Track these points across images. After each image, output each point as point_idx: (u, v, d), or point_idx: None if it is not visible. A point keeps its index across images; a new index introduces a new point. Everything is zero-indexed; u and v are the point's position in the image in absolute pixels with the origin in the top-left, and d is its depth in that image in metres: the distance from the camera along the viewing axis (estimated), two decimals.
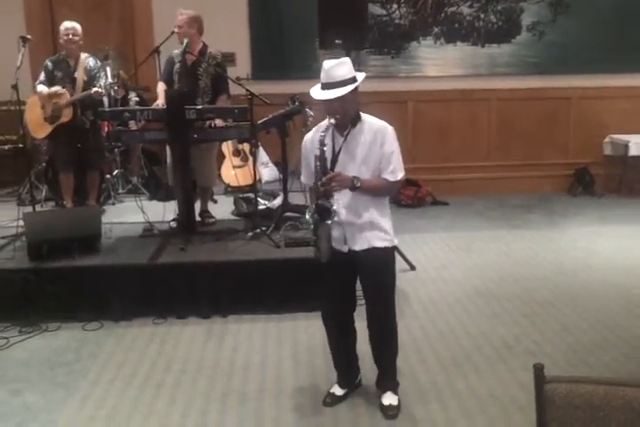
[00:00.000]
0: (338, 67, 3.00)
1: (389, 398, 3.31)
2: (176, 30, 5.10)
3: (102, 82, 5.45)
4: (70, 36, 5.45)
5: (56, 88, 5.43)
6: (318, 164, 3.02)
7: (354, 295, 3.30)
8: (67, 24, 5.48)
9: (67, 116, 5.47)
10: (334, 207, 2.99)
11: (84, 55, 5.58)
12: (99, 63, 5.63)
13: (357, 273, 3.21)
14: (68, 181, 5.78)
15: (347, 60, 3.06)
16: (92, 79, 5.55)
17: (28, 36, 5.28)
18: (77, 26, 5.49)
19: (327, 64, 3.01)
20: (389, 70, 7.51)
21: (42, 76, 5.51)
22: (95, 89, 5.37)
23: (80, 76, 5.53)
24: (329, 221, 2.99)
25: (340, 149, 3.09)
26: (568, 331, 4.16)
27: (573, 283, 4.97)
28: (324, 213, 3.00)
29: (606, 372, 3.58)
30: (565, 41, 7.49)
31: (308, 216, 3.05)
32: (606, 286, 4.88)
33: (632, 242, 5.89)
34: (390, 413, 3.26)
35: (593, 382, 1.88)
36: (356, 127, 3.09)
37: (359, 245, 3.14)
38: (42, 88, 5.47)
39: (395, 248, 3.32)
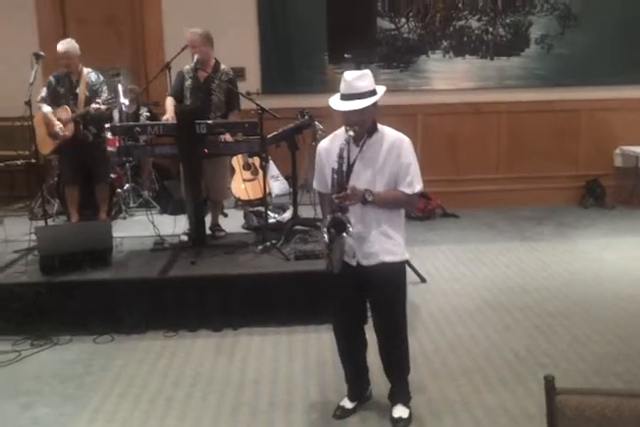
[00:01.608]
0: (359, 78, 3.00)
1: (400, 411, 3.29)
2: (191, 50, 5.14)
3: (103, 97, 5.53)
4: (63, 61, 5.51)
5: (57, 118, 5.51)
6: (335, 176, 3.00)
7: (364, 309, 3.28)
8: (59, 48, 5.46)
9: (69, 132, 5.54)
10: (350, 222, 2.97)
11: (86, 70, 5.64)
12: (100, 78, 5.70)
13: (367, 287, 3.18)
14: (72, 195, 5.84)
15: (368, 72, 3.06)
16: (93, 94, 5.62)
17: (42, 53, 5.36)
18: (69, 48, 5.49)
19: (349, 75, 3.01)
20: (398, 84, 7.53)
21: (44, 93, 5.56)
22: (94, 106, 5.45)
23: (82, 91, 5.60)
24: (344, 234, 2.97)
25: (355, 159, 3.07)
26: (580, 342, 4.13)
27: (585, 294, 4.94)
28: (340, 226, 2.99)
29: (618, 383, 3.56)
30: (574, 53, 7.50)
31: (323, 229, 3.04)
32: (618, 298, 4.85)
33: None
34: (399, 425, 3.23)
35: (604, 393, 1.87)
36: (372, 138, 3.08)
37: (368, 260, 3.12)
38: (46, 109, 5.52)
39: (406, 263, 3.29)
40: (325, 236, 3.01)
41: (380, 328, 3.24)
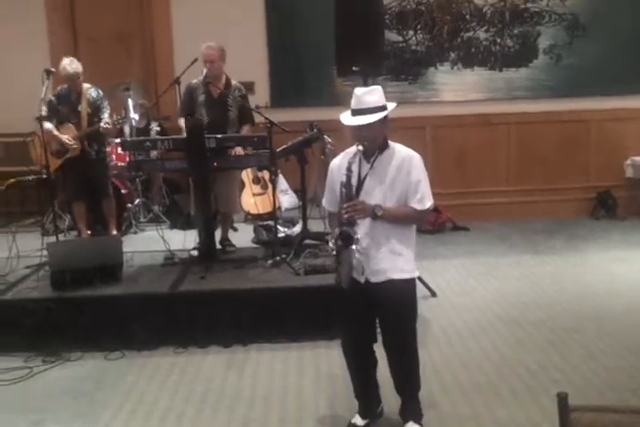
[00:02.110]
0: (369, 94, 3.03)
1: None
2: (207, 65, 5.15)
3: (106, 114, 5.60)
4: (71, 82, 5.57)
5: (65, 136, 5.57)
6: (344, 190, 3.02)
7: (374, 326, 3.25)
8: (67, 69, 5.48)
9: (75, 151, 5.59)
10: (357, 236, 2.97)
11: (85, 86, 5.69)
12: (100, 93, 5.75)
13: (375, 305, 3.14)
14: (80, 211, 5.90)
15: (378, 88, 3.09)
16: (96, 110, 5.68)
17: (52, 69, 5.40)
18: (79, 69, 5.54)
19: (359, 91, 3.04)
20: (407, 96, 7.54)
21: (44, 112, 5.52)
22: (103, 125, 5.52)
23: (84, 108, 5.65)
24: (352, 247, 2.96)
25: (365, 175, 3.08)
26: (593, 357, 4.09)
27: (597, 308, 4.90)
28: (347, 240, 2.98)
29: (633, 399, 3.52)
30: (583, 64, 7.48)
31: (330, 243, 3.04)
32: (631, 311, 4.80)
33: None
34: None
35: (618, 410, 1.86)
36: (382, 154, 3.09)
37: (376, 277, 3.10)
38: (49, 126, 5.53)
39: (416, 280, 3.25)
40: (334, 250, 3.01)
41: (390, 346, 3.21)
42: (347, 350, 3.32)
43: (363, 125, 2.98)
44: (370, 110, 2.99)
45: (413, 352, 3.24)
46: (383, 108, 3.04)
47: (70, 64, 5.51)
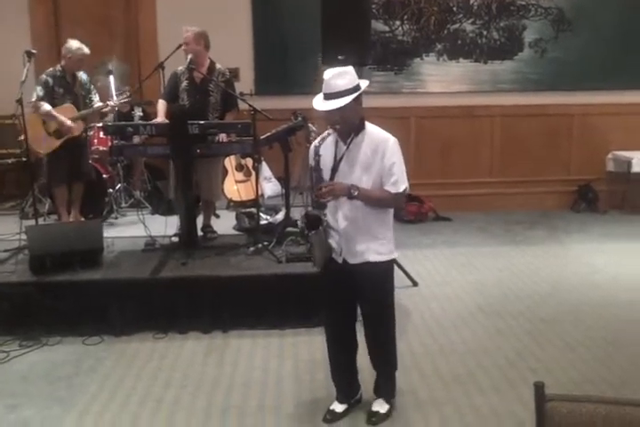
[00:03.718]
0: (338, 77, 2.99)
1: (378, 406, 3.32)
2: (183, 47, 5.13)
3: (97, 97, 5.69)
4: (79, 62, 5.58)
5: (62, 118, 5.53)
6: (314, 173, 3.04)
7: (354, 305, 3.28)
8: (84, 49, 5.54)
9: (77, 130, 5.56)
10: (324, 213, 3.01)
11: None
12: (88, 77, 5.79)
13: (354, 285, 3.17)
14: (63, 195, 5.85)
15: (348, 69, 3.05)
16: (87, 93, 5.72)
17: (34, 51, 5.32)
18: (87, 50, 5.58)
19: (327, 74, 3.01)
20: (392, 86, 7.54)
21: (41, 92, 5.49)
22: (111, 104, 5.61)
23: (78, 90, 5.64)
24: (320, 229, 3.00)
25: (341, 157, 3.09)
26: (571, 348, 4.13)
27: (576, 299, 4.94)
28: (314, 221, 3.01)
29: (609, 390, 3.55)
30: (568, 58, 7.52)
31: (300, 224, 3.09)
32: (610, 303, 4.85)
33: (635, 258, 5.87)
34: (373, 419, 3.27)
35: (594, 401, 1.87)
36: (358, 136, 3.08)
37: (354, 259, 3.13)
38: (47, 107, 5.49)
39: (393, 261, 3.30)
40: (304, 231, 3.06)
41: (368, 324, 3.26)
42: (327, 330, 3.35)
43: (334, 109, 2.97)
44: (339, 94, 2.96)
45: (391, 331, 3.28)
46: (354, 89, 3.00)
47: (82, 45, 5.54)
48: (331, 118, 3.03)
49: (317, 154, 3.04)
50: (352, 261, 3.13)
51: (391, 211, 3.22)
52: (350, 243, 3.11)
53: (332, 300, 3.27)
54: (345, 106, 2.96)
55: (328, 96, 2.99)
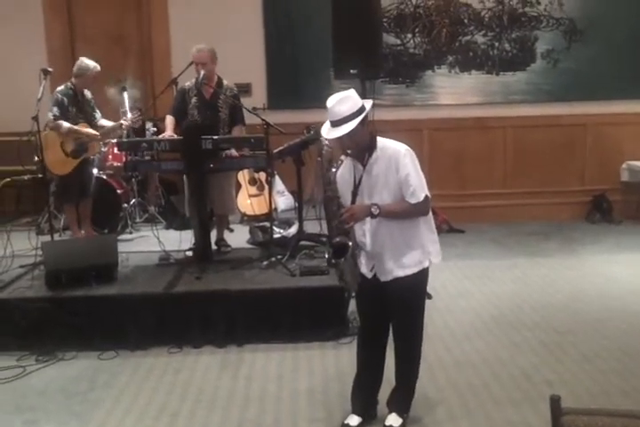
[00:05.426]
0: (340, 103, 2.99)
1: (392, 420, 3.30)
2: (197, 67, 5.15)
3: (99, 114, 5.76)
4: (96, 77, 5.68)
5: (87, 130, 5.62)
6: (330, 203, 3.08)
7: (387, 322, 3.29)
8: (98, 67, 5.63)
9: (93, 150, 5.63)
10: (349, 238, 3.02)
11: None
12: (92, 95, 5.87)
13: (384, 297, 3.21)
14: (73, 213, 5.89)
15: (349, 93, 3.05)
16: (92, 110, 5.80)
17: (49, 69, 5.40)
18: (99, 67, 5.67)
19: (330, 102, 3.02)
20: (404, 99, 7.56)
21: (57, 111, 5.54)
22: (125, 123, 5.64)
23: (87, 108, 5.74)
24: (347, 255, 3.02)
25: (361, 178, 3.11)
26: (587, 359, 4.09)
27: (592, 311, 4.91)
28: (342, 249, 3.02)
29: (626, 402, 3.52)
30: (580, 68, 7.51)
31: (327, 255, 3.13)
32: (625, 314, 4.81)
33: None
34: None
35: (611, 414, 1.85)
36: (372, 155, 3.10)
37: (384, 277, 3.18)
38: (67, 124, 5.54)
39: (426, 271, 3.25)
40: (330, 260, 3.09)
41: (396, 332, 3.29)
42: (360, 343, 3.40)
43: (342, 135, 2.99)
44: (344, 120, 2.97)
45: (418, 340, 3.30)
46: (359, 111, 3.01)
47: (95, 63, 5.62)
48: (342, 144, 3.05)
49: (331, 182, 3.06)
50: (382, 278, 3.18)
51: (419, 222, 3.18)
52: (379, 261, 3.17)
53: (365, 314, 3.34)
54: (352, 130, 2.97)
55: (334, 123, 3.01)
